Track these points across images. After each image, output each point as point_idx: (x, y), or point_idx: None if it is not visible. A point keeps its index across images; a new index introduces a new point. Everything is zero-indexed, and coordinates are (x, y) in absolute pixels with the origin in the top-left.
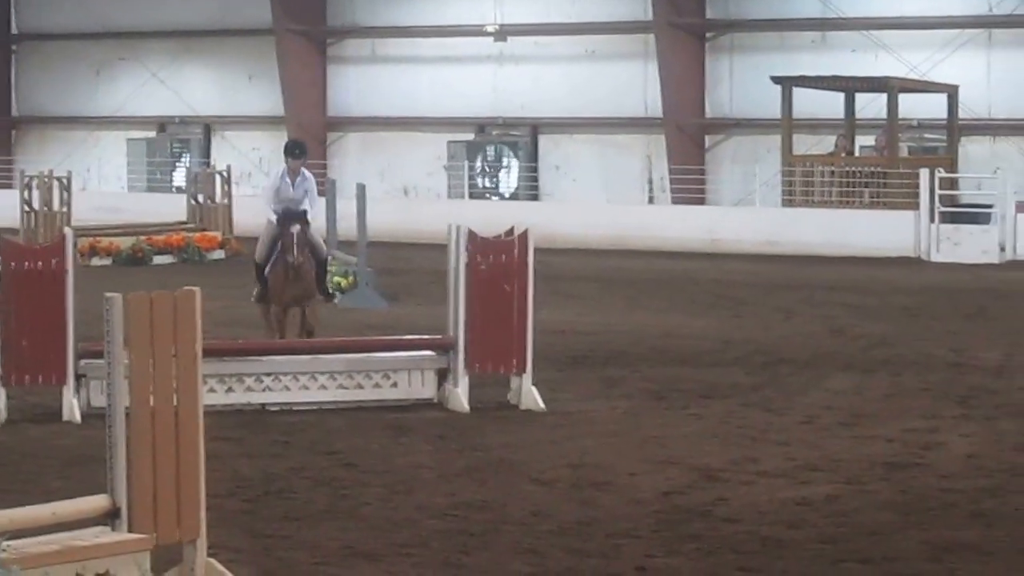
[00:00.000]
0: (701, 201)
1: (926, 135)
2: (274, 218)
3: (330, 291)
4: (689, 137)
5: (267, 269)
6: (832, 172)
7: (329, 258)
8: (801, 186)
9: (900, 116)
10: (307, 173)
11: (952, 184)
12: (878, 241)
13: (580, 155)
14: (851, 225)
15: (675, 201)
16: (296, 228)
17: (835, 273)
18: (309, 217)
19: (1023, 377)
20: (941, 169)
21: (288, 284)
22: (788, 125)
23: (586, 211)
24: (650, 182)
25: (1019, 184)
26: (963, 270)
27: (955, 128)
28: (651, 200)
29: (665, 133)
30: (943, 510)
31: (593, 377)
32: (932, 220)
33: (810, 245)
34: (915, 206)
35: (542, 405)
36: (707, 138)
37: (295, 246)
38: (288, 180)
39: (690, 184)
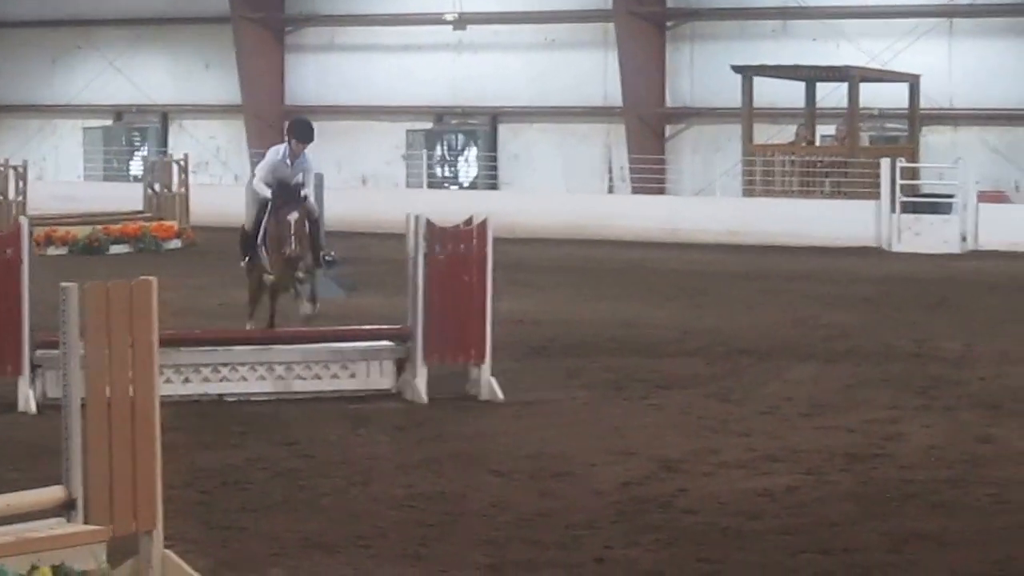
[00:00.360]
0: (661, 191)
1: (887, 124)
2: (267, 193)
3: (328, 258)
4: (649, 126)
5: (261, 235)
6: (793, 162)
7: (319, 216)
8: (762, 176)
9: (861, 105)
10: (308, 156)
11: (913, 174)
12: (839, 231)
13: (539, 144)
14: (812, 215)
15: (635, 191)
16: (294, 216)
17: (796, 263)
18: (306, 191)
19: (984, 367)
20: (902, 159)
21: (285, 265)
22: (749, 114)
23: (545, 200)
24: (610, 171)
25: (981, 174)
26: (924, 260)
27: (916, 117)
28: (611, 190)
29: (625, 122)
30: (903, 501)
31: (552, 367)
32: (893, 210)
33: (771, 235)
34: (876, 196)
35: (501, 396)
36: (667, 127)
37: (293, 237)
38: (288, 161)
39: (650, 174)
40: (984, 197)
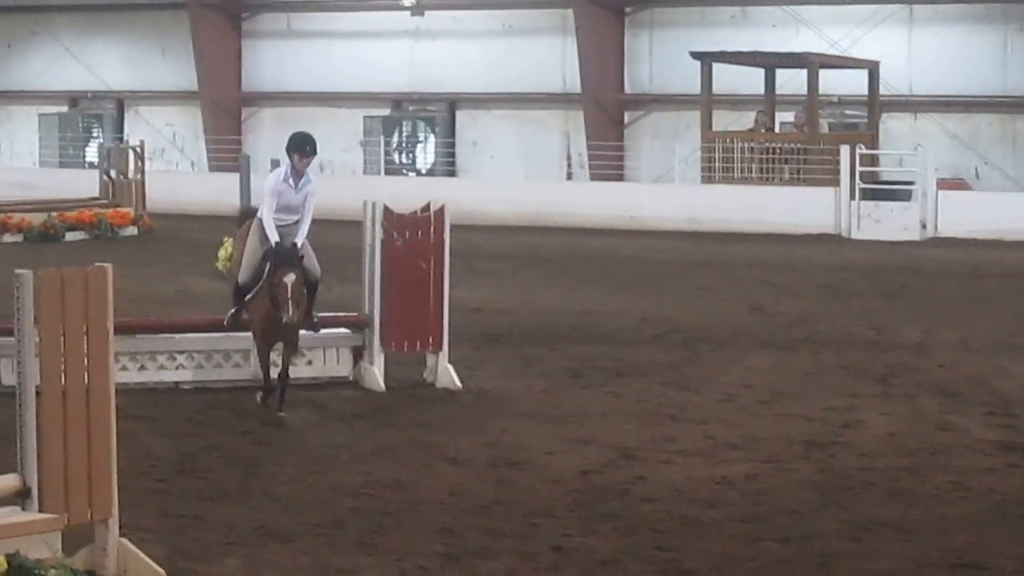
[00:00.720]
0: (620, 177)
1: (847, 111)
2: (275, 236)
3: (316, 321)
4: (608, 113)
5: (251, 295)
6: (752, 148)
7: (318, 280)
8: (721, 163)
9: (820, 92)
10: (311, 176)
11: (873, 161)
12: (798, 218)
13: (497, 131)
14: (771, 202)
15: (593, 178)
16: (291, 278)
17: (755, 250)
18: (299, 241)
19: (943, 355)
20: (862, 146)
21: (276, 325)
22: (708, 101)
23: (503, 187)
24: (568, 158)
25: (940, 161)
26: (884, 247)
27: (876, 104)
28: (569, 176)
29: (584, 109)
30: (862, 489)
31: (510, 355)
32: (853, 197)
33: (729, 222)
34: (835, 183)
35: (458, 384)
36: (626, 114)
37: (290, 302)
38: (291, 182)
39: (609, 160)
40: (944, 184)
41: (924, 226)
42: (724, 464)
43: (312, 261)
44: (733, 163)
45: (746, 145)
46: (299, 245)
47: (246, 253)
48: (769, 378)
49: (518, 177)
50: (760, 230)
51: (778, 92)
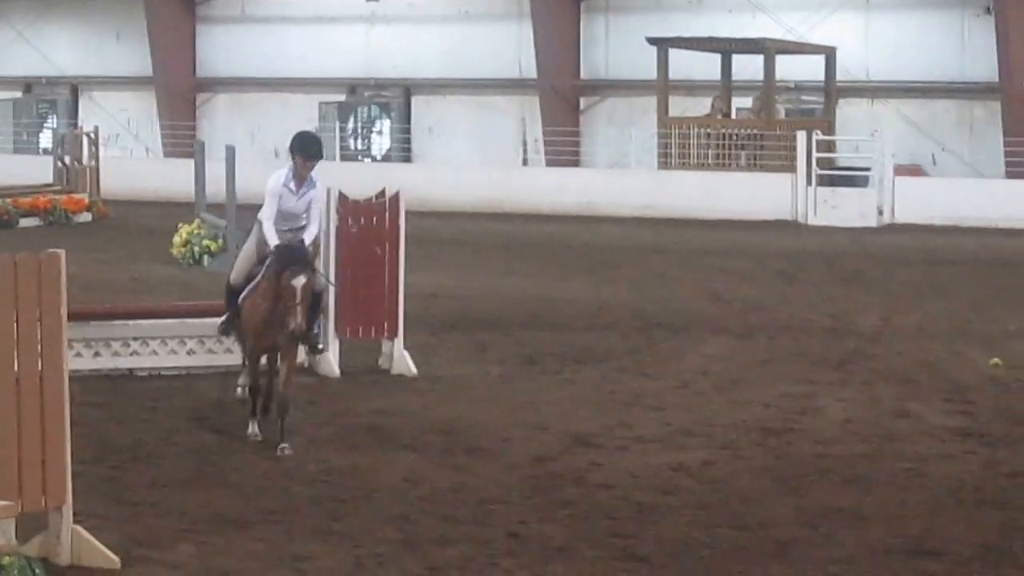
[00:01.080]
0: (576, 163)
1: (803, 97)
2: (275, 240)
3: (319, 343)
4: (564, 99)
5: (243, 295)
6: (708, 134)
7: (324, 290)
8: (677, 149)
9: (777, 78)
10: (316, 180)
11: (829, 147)
12: (755, 204)
13: (453, 117)
14: (727, 188)
15: (549, 163)
16: (300, 281)
17: (711, 237)
18: (308, 240)
19: (900, 342)
20: (818, 132)
21: (271, 328)
22: (664, 87)
23: (459, 173)
24: (524, 144)
25: (897, 147)
26: (840, 233)
27: (832, 90)
28: (525, 162)
29: (539, 95)
30: (819, 475)
31: (466, 342)
32: (809, 183)
33: (686, 208)
34: (792, 169)
35: (414, 370)
36: (582, 100)
37: (298, 308)
38: (292, 187)
39: (565, 146)
40: (901, 170)
41: (881, 212)
42: (680, 451)
43: (319, 274)
44: (689, 149)
45: (702, 131)
46: (308, 245)
47: (242, 254)
48: (725, 365)
49: (474, 163)
50: (716, 216)
51: (734, 78)
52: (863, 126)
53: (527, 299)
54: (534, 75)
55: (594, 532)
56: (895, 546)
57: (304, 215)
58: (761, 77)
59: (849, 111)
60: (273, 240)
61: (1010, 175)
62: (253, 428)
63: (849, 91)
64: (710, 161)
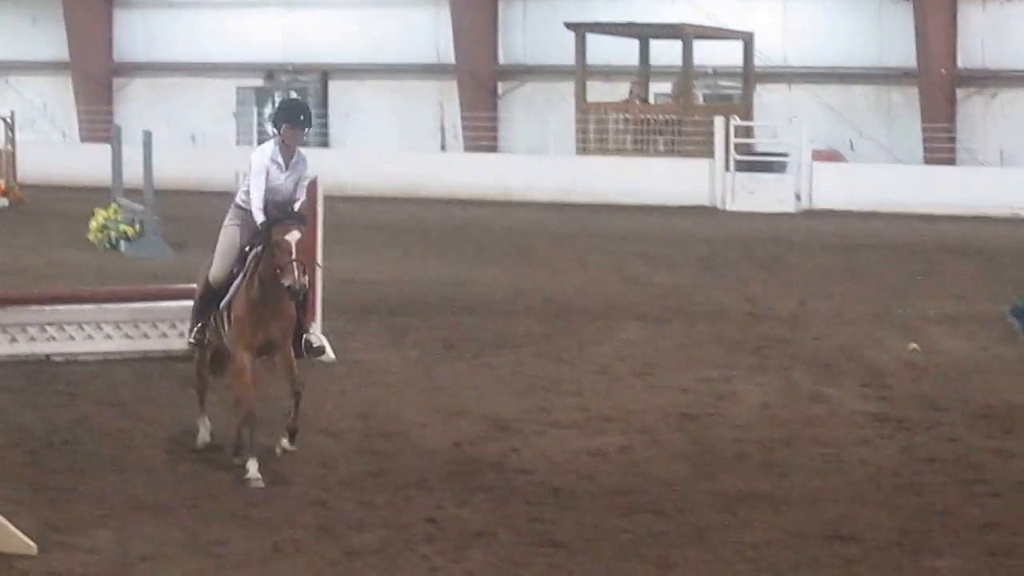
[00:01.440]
0: (494, 149)
1: (721, 83)
2: (262, 216)
3: (314, 342)
4: (481, 84)
5: (228, 296)
6: (626, 120)
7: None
8: (595, 134)
9: (695, 64)
10: (302, 153)
11: (747, 132)
12: (673, 190)
13: (371, 102)
14: (645, 174)
15: (467, 149)
16: (296, 235)
17: (629, 222)
18: (297, 207)
19: (817, 327)
20: (736, 117)
21: (263, 321)
22: (582, 72)
23: (376, 159)
24: (442, 129)
25: (815, 132)
26: (758, 219)
27: (750, 76)
28: (443, 148)
29: (458, 80)
30: (736, 461)
31: (383, 326)
32: (727, 169)
33: (604, 194)
34: (710, 154)
35: (331, 355)
36: (500, 85)
37: (295, 263)
38: (280, 160)
39: (483, 132)
40: (819, 156)
41: (799, 198)
42: (598, 436)
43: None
44: (607, 134)
45: (620, 117)
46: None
47: (220, 244)
48: (643, 350)
49: (391, 148)
50: (635, 202)
51: (652, 63)
52: (781, 112)
53: (445, 284)
54: (452, 60)
55: (512, 517)
56: (813, 531)
57: (293, 193)
58: (679, 63)
59: (767, 97)
60: (260, 215)
61: (928, 160)
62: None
63: (767, 77)
64: (628, 147)
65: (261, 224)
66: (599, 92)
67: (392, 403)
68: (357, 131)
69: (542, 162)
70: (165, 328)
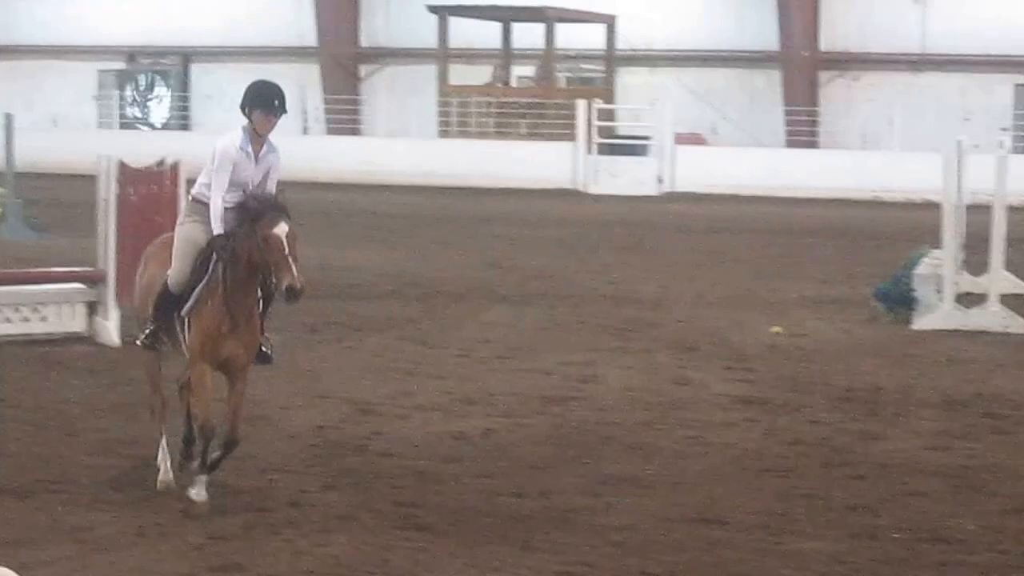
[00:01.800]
0: (356, 132)
1: (584, 66)
2: (219, 226)
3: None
4: (343, 67)
5: (191, 303)
6: (489, 103)
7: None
8: (458, 117)
9: (557, 47)
10: (273, 143)
11: (609, 116)
12: (535, 173)
13: (232, 85)
14: (508, 157)
15: (330, 132)
16: (284, 228)
17: (491, 205)
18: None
19: (680, 310)
20: (598, 100)
21: (229, 335)
22: (444, 55)
23: None
24: (304, 112)
25: (677, 116)
26: (621, 202)
27: (613, 59)
28: (305, 131)
29: (319, 63)
30: (600, 444)
31: None
32: (590, 152)
33: (466, 177)
34: (573, 137)
35: None
36: (362, 68)
37: (289, 259)
38: (250, 151)
39: (344, 115)
40: (681, 139)
41: (661, 181)
42: (461, 419)
43: None
44: (470, 118)
45: (483, 100)
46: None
47: (178, 246)
48: (506, 333)
49: None
50: (497, 185)
51: (515, 47)
52: (643, 95)
53: (307, 267)
54: (314, 43)
55: (376, 500)
56: (678, 514)
57: (263, 188)
58: (542, 46)
59: (629, 80)
60: (217, 224)
61: (790, 144)
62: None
63: (629, 60)
64: (491, 130)
65: (217, 216)
66: (462, 75)
67: (255, 387)
68: (219, 114)
69: (404, 145)
70: (27, 312)
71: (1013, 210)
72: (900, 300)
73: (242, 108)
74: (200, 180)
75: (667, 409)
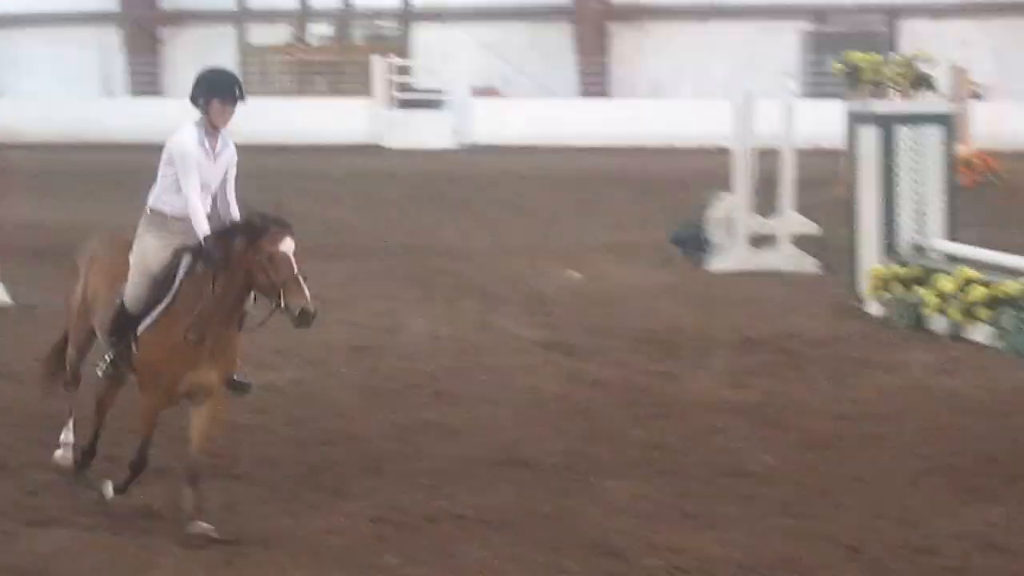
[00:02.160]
0: (158, 94)
1: (379, 23)
2: (205, 228)
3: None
4: (145, 30)
5: (147, 323)
6: (288, 62)
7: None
8: (258, 76)
9: (354, 4)
10: (227, 137)
11: (405, 71)
12: (335, 129)
13: (35, 50)
14: (307, 114)
15: (132, 94)
16: (291, 244)
17: (294, 162)
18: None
19: (480, 258)
20: (394, 56)
21: (197, 364)
22: (243, 16)
23: (43, 106)
24: (106, 76)
25: (472, 70)
26: (419, 156)
27: (408, 16)
28: (108, 94)
29: (121, 26)
30: (407, 391)
31: (59, 271)
32: (388, 107)
33: (267, 135)
34: (370, 93)
35: (8, 299)
36: (164, 30)
37: (300, 279)
38: (208, 146)
39: (146, 77)
40: (477, 93)
41: (458, 134)
42: (271, 370)
43: None
44: (271, 77)
45: (282, 59)
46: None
47: (136, 261)
48: (312, 285)
49: (57, 95)
50: (299, 142)
51: (312, 5)
52: (438, 50)
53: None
54: (115, 7)
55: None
56: (484, 457)
57: (223, 188)
58: (339, 5)
59: (424, 36)
60: (203, 227)
61: (584, 95)
62: (106, 489)
63: (424, 16)
64: (291, 88)
65: (206, 238)
66: (261, 35)
67: None
68: (21, 79)
69: None
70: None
71: (801, 153)
72: (694, 244)
73: (193, 100)
74: (155, 190)
75: (471, 355)
